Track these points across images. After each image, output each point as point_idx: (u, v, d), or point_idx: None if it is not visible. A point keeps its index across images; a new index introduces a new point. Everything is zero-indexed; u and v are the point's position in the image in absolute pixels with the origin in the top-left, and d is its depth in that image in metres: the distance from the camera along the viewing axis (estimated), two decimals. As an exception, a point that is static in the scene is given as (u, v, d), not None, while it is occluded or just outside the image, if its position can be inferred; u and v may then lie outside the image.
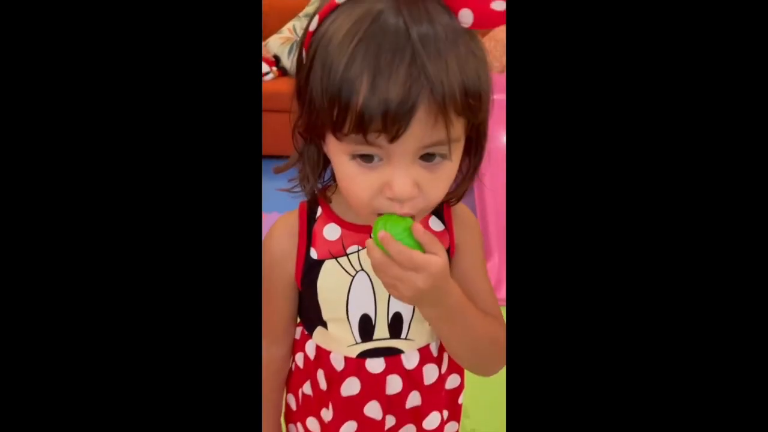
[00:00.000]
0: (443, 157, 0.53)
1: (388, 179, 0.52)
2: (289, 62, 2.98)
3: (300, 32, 2.89)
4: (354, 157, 0.53)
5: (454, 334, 0.61)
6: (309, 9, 2.83)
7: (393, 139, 0.49)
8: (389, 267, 0.52)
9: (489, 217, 1.94)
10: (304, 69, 0.54)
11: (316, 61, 0.52)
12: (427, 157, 0.52)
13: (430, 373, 0.68)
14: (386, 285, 0.55)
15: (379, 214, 0.54)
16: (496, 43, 2.19)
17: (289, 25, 3.14)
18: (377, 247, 0.52)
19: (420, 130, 0.49)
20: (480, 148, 0.59)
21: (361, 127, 0.49)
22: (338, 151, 0.54)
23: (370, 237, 0.53)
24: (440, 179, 0.54)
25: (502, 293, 1.78)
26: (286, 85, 2.56)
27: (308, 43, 0.54)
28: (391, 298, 0.64)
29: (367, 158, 0.52)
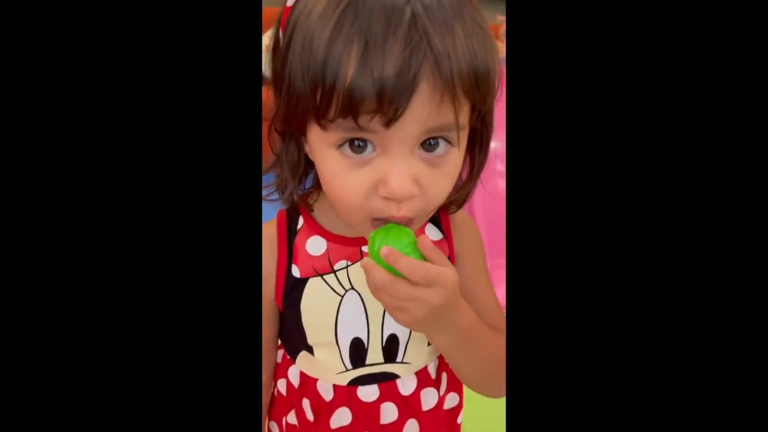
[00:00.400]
0: (449, 143, 0.46)
1: (382, 175, 0.44)
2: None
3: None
4: (342, 146, 0.45)
5: (469, 360, 0.54)
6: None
7: (390, 121, 0.41)
8: (396, 287, 0.44)
9: (479, 221, 1.90)
10: (280, 51, 0.47)
11: (295, 37, 0.44)
12: (429, 146, 0.45)
13: (429, 398, 0.62)
14: (391, 309, 0.47)
15: (375, 220, 0.47)
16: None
17: (270, 32, 3.07)
18: (379, 266, 0.45)
19: (422, 111, 0.42)
20: (486, 142, 0.52)
21: (351, 108, 0.41)
22: (322, 144, 0.46)
23: (366, 256, 0.46)
24: (443, 175, 0.47)
25: (496, 301, 1.73)
26: (268, 94, 2.50)
27: (285, 20, 0.47)
28: (386, 318, 0.58)
29: (358, 147, 0.44)
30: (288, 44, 0.45)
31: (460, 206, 0.58)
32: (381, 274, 0.45)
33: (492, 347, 0.54)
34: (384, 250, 0.44)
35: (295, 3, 0.46)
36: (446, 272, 0.45)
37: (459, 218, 0.62)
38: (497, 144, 1.80)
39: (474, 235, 0.63)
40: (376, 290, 0.46)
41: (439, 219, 0.60)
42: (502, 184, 1.75)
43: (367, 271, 0.45)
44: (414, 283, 0.44)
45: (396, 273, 0.45)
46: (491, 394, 0.58)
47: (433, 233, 0.60)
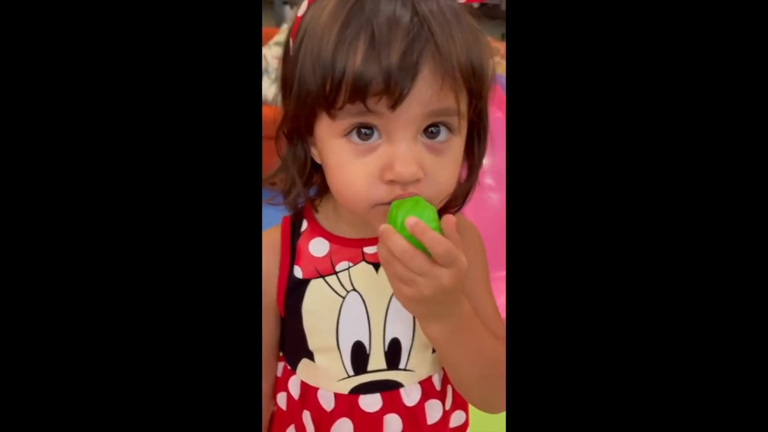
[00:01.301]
0: (450, 130, 0.47)
1: (387, 160, 0.46)
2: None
3: (270, 60, 2.81)
4: (349, 134, 0.47)
5: (464, 359, 0.52)
6: (279, 38, 2.80)
7: (396, 103, 0.44)
8: (414, 259, 0.43)
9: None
10: (290, 57, 0.49)
11: (306, 39, 0.47)
12: (431, 133, 0.47)
13: (434, 411, 0.60)
14: (399, 281, 0.45)
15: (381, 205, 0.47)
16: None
17: (269, 43, 3.09)
18: (400, 234, 0.44)
19: (425, 93, 0.44)
20: (483, 136, 0.54)
21: (359, 92, 0.43)
22: (330, 134, 0.47)
23: (386, 224, 0.45)
24: (446, 162, 0.48)
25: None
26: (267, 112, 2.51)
27: (296, 29, 0.49)
28: (388, 321, 0.56)
29: (364, 135, 0.46)
30: (299, 47, 0.48)
31: (460, 207, 0.57)
32: (401, 241, 0.43)
33: (492, 351, 0.52)
34: (411, 220, 0.43)
35: (306, 11, 0.49)
36: (463, 257, 0.45)
37: (461, 222, 0.61)
38: (487, 160, 1.81)
39: (476, 242, 0.62)
40: (389, 258, 0.45)
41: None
42: (494, 197, 1.75)
43: (385, 237, 0.44)
44: (432, 260, 0.44)
45: (415, 245, 0.44)
46: (488, 406, 0.56)
47: None
